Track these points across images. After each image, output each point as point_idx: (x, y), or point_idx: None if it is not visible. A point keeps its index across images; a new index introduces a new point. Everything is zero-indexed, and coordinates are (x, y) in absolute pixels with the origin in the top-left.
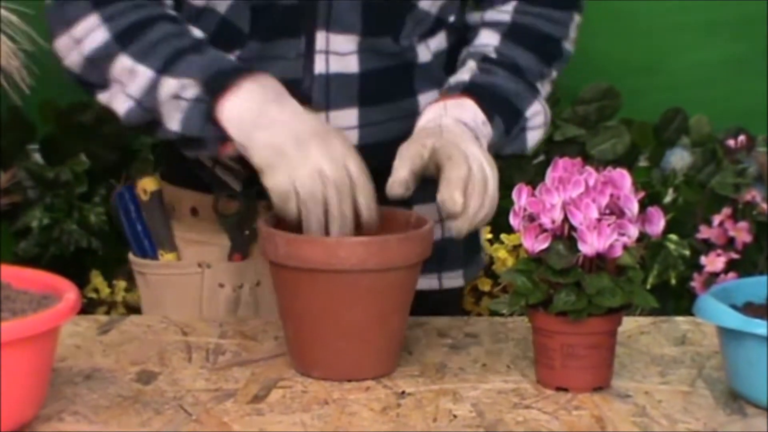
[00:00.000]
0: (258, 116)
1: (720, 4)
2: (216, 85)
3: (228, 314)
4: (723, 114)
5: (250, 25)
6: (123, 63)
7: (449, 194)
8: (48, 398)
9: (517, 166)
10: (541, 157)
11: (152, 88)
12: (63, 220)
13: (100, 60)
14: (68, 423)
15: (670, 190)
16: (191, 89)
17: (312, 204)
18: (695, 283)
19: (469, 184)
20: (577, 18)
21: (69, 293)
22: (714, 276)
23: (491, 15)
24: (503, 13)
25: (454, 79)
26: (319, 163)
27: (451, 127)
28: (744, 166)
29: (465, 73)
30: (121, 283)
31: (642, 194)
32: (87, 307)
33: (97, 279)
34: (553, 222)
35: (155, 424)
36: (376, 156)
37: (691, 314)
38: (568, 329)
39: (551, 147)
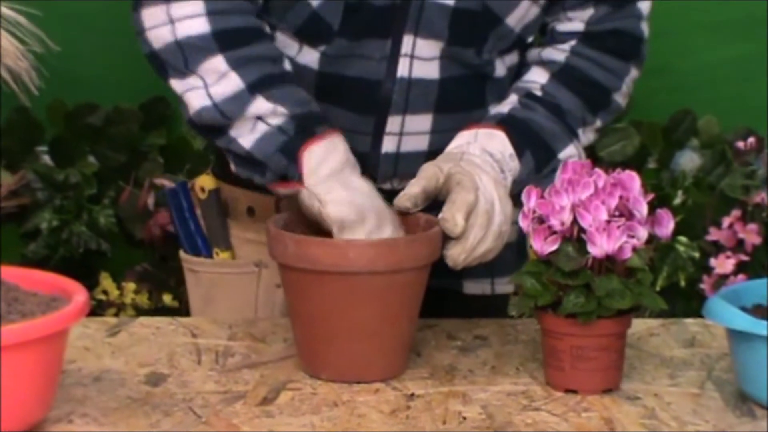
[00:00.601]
0: (341, 174)
1: (728, 4)
2: (307, 124)
3: (283, 315)
4: (732, 115)
5: (341, 22)
6: (217, 64)
7: (451, 214)
8: (57, 400)
9: None
10: None
11: (239, 99)
12: (72, 222)
13: (192, 50)
14: (77, 425)
15: (680, 192)
16: (278, 117)
17: None
18: (704, 285)
19: (473, 214)
20: (633, 72)
21: (78, 295)
22: (723, 278)
23: (548, 53)
24: (560, 52)
25: (494, 110)
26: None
27: (473, 155)
28: (753, 167)
29: (505, 105)
30: (130, 285)
31: (651, 196)
32: (96, 309)
33: (106, 281)
34: (563, 224)
35: (164, 426)
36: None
37: (701, 316)
38: (577, 331)
39: None
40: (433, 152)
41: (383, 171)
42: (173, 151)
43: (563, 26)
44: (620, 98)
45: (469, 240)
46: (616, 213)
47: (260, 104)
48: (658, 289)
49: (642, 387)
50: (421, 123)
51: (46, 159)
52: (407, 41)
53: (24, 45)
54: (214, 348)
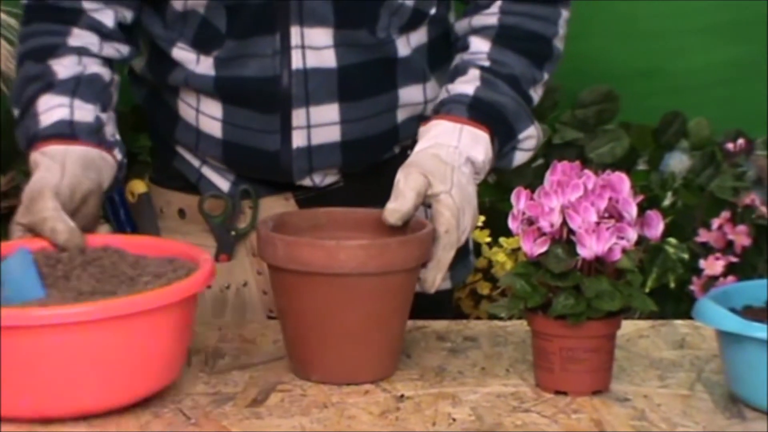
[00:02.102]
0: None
1: (719, 7)
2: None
3: (214, 315)
4: (722, 117)
5: (227, 24)
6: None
7: (433, 276)
8: None
9: (516, 170)
10: (540, 161)
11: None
12: None
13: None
14: (67, 426)
15: (669, 194)
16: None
17: None
18: (694, 287)
19: (441, 243)
20: (564, 13)
21: (203, 257)
22: (713, 279)
23: (478, 20)
24: (490, 17)
25: (455, 88)
26: None
27: (463, 176)
28: (743, 169)
29: (468, 84)
30: None
31: (641, 198)
32: None
33: None
34: (552, 225)
35: (154, 427)
36: (359, 153)
37: (690, 318)
38: (567, 333)
39: (550, 150)
40: (347, 142)
41: (298, 167)
42: None
43: None
44: (559, 43)
45: (443, 265)
46: (606, 214)
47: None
48: (647, 290)
49: (632, 388)
50: (327, 114)
51: None
52: (295, 32)
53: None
54: (203, 349)
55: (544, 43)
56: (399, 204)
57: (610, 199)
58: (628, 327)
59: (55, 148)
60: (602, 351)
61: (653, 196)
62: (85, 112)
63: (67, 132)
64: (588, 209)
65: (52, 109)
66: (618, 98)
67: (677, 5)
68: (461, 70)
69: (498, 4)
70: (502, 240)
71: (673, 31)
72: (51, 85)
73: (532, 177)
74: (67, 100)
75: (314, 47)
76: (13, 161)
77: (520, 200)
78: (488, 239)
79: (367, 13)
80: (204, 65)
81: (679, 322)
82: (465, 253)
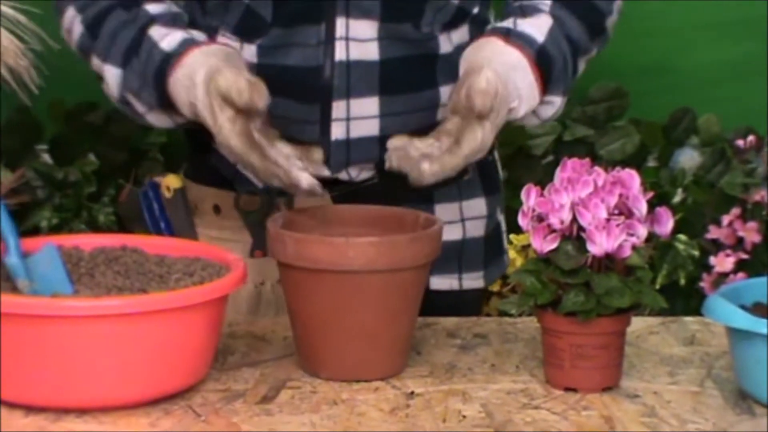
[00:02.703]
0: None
1: (728, 3)
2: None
3: (250, 311)
4: (732, 114)
5: (273, 12)
6: (95, 61)
7: (424, 168)
8: None
9: (526, 166)
10: (550, 158)
11: (121, 84)
12: (71, 220)
13: (84, 54)
14: (77, 423)
15: (679, 190)
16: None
17: None
18: (704, 284)
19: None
20: (618, 2)
21: (232, 257)
22: (723, 276)
23: None
24: None
25: (524, 26)
26: None
27: (505, 93)
28: (753, 166)
29: (538, 29)
30: None
31: (651, 194)
32: None
33: None
34: (562, 222)
35: (164, 424)
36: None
37: (700, 314)
38: (577, 329)
39: (560, 147)
40: (385, 137)
41: (335, 159)
42: (173, 149)
43: None
44: (610, 26)
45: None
46: (616, 211)
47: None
48: (657, 287)
49: (642, 385)
50: (367, 107)
51: (46, 157)
52: (340, 23)
53: (24, 43)
54: None
55: (601, 17)
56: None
57: (620, 195)
58: (638, 324)
59: (195, 54)
60: (612, 348)
61: (663, 192)
62: (194, 32)
63: (196, 41)
64: (598, 206)
65: (168, 35)
66: (627, 95)
67: (685, 2)
68: (529, 11)
69: None
70: (512, 236)
71: (681, 28)
72: (153, 19)
73: (542, 174)
74: (175, 28)
75: (358, 39)
76: (23, 158)
77: (530, 197)
78: None
79: (412, 8)
80: (246, 53)
81: (689, 318)
82: (499, 252)
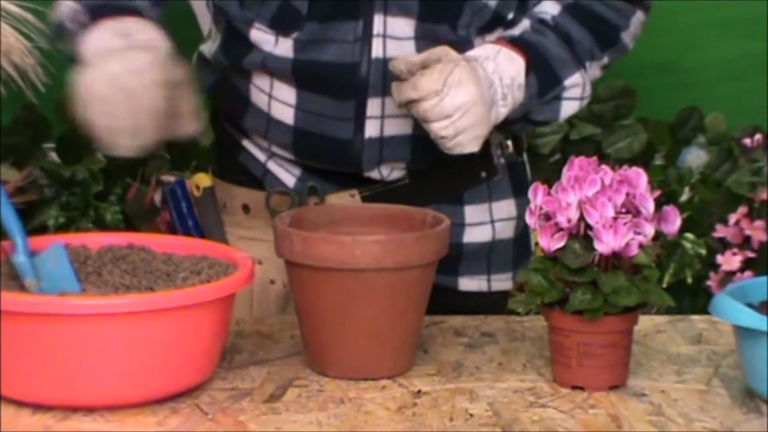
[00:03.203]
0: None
1: (736, 2)
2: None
3: (278, 310)
4: (739, 112)
5: (308, 6)
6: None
7: (403, 63)
8: None
9: (533, 165)
10: (557, 156)
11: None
12: (79, 219)
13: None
14: (85, 422)
15: (686, 189)
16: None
17: None
18: (711, 282)
19: (434, 99)
20: (640, 15)
21: (240, 256)
22: (730, 275)
23: None
24: None
25: (505, 33)
26: None
27: (482, 70)
28: (760, 164)
29: (517, 29)
30: None
31: (658, 193)
32: None
33: None
34: (569, 221)
35: (171, 423)
36: (428, 148)
37: (707, 313)
38: (584, 328)
39: (567, 146)
40: (418, 136)
41: (368, 157)
42: (180, 148)
43: None
44: (628, 38)
45: (420, 104)
46: (623, 210)
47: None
48: (664, 285)
49: (649, 384)
50: None
51: (53, 156)
52: (378, 21)
53: (31, 42)
54: None
55: (612, 30)
56: (411, 56)
57: (628, 194)
58: (645, 322)
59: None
60: (619, 346)
61: (670, 191)
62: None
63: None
64: (605, 204)
65: None
66: (635, 93)
67: (693, 1)
68: (519, 21)
69: None
70: None
71: (689, 26)
72: None
73: (549, 172)
74: None
75: (395, 37)
76: (30, 157)
77: (537, 195)
78: None
79: (451, 9)
80: (283, 47)
81: (696, 317)
82: (528, 254)
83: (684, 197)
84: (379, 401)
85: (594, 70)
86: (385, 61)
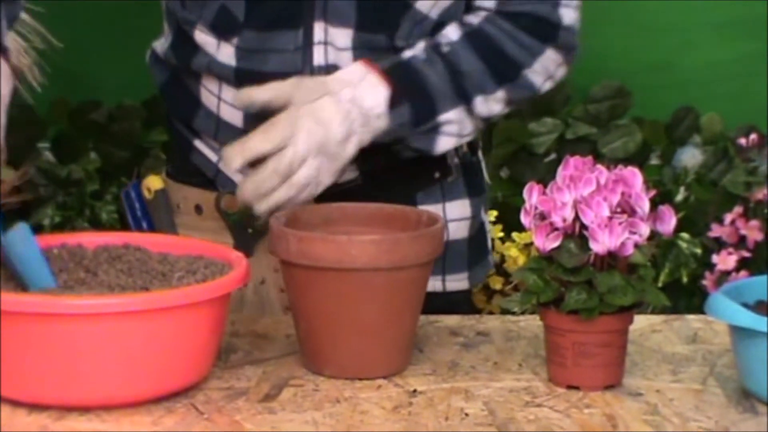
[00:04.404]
0: None
1: (731, 2)
2: None
3: (232, 312)
4: (734, 112)
5: (245, 13)
6: None
7: (234, 153)
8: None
9: (528, 164)
10: (553, 156)
11: None
12: (74, 218)
13: None
14: (80, 422)
15: (682, 189)
16: None
17: None
18: (707, 282)
19: (272, 161)
20: (551, 54)
21: (235, 255)
22: (725, 274)
23: (466, 17)
24: (476, 17)
25: (394, 58)
26: None
27: (334, 102)
28: (755, 164)
29: (410, 51)
30: None
31: (653, 193)
32: None
33: None
34: (565, 220)
35: (167, 422)
36: (376, 153)
37: (703, 312)
38: (579, 327)
39: (562, 145)
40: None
41: None
42: None
43: (479, 2)
44: (535, 77)
45: (258, 183)
46: (618, 209)
47: None
48: (660, 285)
49: (644, 383)
50: None
51: (49, 156)
52: (319, 29)
53: (27, 42)
54: None
55: (512, 67)
56: (256, 90)
57: (623, 194)
58: (640, 322)
59: None
60: (615, 346)
61: (666, 191)
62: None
63: None
64: (600, 204)
65: None
66: (630, 93)
67: (689, 1)
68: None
69: (491, 11)
70: (514, 235)
71: (684, 26)
72: None
73: (544, 172)
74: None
75: (337, 47)
76: (26, 156)
77: (532, 195)
78: (501, 234)
79: (388, 20)
80: (225, 53)
81: (691, 316)
82: (484, 253)
83: (679, 197)
84: (375, 401)
85: (490, 105)
86: (327, 69)
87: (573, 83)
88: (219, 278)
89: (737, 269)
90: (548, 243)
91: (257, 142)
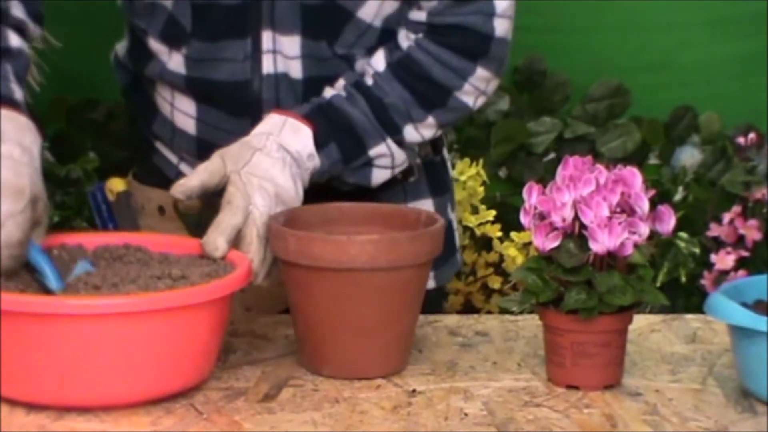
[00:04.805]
0: None
1: (729, 1)
2: None
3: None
4: (733, 111)
5: (193, 23)
6: None
7: (213, 238)
8: None
9: (527, 164)
10: (551, 155)
11: None
12: (73, 218)
13: None
14: (79, 422)
15: (681, 188)
16: None
17: None
18: (705, 281)
19: (246, 237)
20: (480, 72)
21: (237, 255)
22: (724, 274)
23: (401, 36)
24: (405, 40)
25: (313, 100)
26: None
27: (265, 155)
28: (754, 163)
29: (330, 90)
30: None
31: (652, 192)
32: None
33: None
34: (564, 220)
35: (166, 423)
36: None
37: (702, 312)
38: (578, 327)
39: (561, 145)
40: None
41: None
42: None
43: (413, 14)
44: (465, 97)
45: (255, 265)
46: (618, 209)
47: None
48: (659, 284)
49: (643, 383)
50: None
51: (48, 155)
52: (267, 37)
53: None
54: None
55: (441, 91)
56: (186, 179)
57: (622, 193)
58: (639, 321)
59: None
60: (614, 345)
61: (664, 190)
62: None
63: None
64: (600, 204)
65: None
66: (629, 92)
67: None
68: (342, 77)
69: (418, 35)
70: (513, 234)
71: (683, 25)
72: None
73: (543, 171)
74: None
75: (286, 55)
76: None
77: (531, 195)
78: (499, 234)
79: (330, 28)
80: (175, 62)
81: (690, 316)
82: (451, 251)
83: (678, 196)
84: (374, 401)
85: (422, 132)
86: (276, 77)
87: (572, 82)
88: (220, 279)
89: (736, 268)
90: (547, 243)
91: (228, 219)
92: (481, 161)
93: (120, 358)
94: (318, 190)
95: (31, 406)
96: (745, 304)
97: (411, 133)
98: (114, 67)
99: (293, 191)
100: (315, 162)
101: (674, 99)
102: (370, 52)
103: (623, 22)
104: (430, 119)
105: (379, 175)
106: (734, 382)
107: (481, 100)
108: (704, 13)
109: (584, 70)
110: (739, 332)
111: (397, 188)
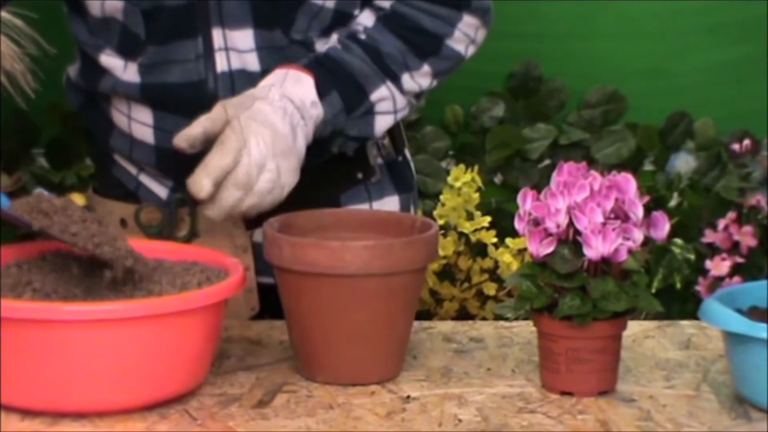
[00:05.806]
0: None
1: (724, 7)
2: None
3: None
4: (728, 117)
5: (145, 30)
6: None
7: (198, 178)
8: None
9: (521, 170)
10: (546, 161)
11: None
12: None
13: None
14: (74, 427)
15: (675, 194)
16: None
17: None
18: (700, 287)
19: (230, 176)
20: (467, 18)
21: (230, 261)
22: (719, 280)
23: (378, 1)
24: (387, 1)
25: (311, 55)
26: None
27: (267, 104)
28: (749, 170)
29: (324, 45)
30: None
31: (647, 198)
32: None
33: None
34: (558, 226)
35: (160, 428)
36: None
37: (696, 318)
38: (573, 333)
39: (556, 151)
40: None
41: None
42: None
43: None
44: (457, 44)
45: (222, 200)
46: (612, 215)
47: None
48: (653, 291)
49: (637, 389)
50: None
51: (43, 161)
52: (217, 35)
53: (20, 48)
54: None
55: (432, 39)
56: (188, 128)
57: (617, 199)
58: (634, 327)
59: None
60: (608, 352)
61: (659, 196)
62: None
63: None
64: (594, 210)
65: None
66: (624, 99)
67: (680, 5)
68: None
69: None
70: (508, 240)
71: (678, 31)
72: None
73: (538, 177)
74: None
75: (238, 50)
76: (20, 162)
77: (526, 201)
78: (494, 240)
79: (282, 15)
80: (130, 72)
81: (685, 322)
82: None
83: (673, 202)
84: (368, 407)
85: (418, 80)
86: (231, 74)
87: (567, 89)
88: (214, 284)
89: (730, 275)
90: (542, 249)
91: (217, 159)
92: (476, 167)
93: (114, 363)
94: (304, 196)
95: (26, 412)
96: (739, 311)
97: (408, 82)
98: (66, 88)
99: (290, 140)
100: (318, 110)
101: (669, 105)
102: (325, 33)
103: (618, 29)
104: (426, 67)
105: (382, 122)
106: (728, 389)
107: (471, 49)
108: (699, 20)
109: (579, 77)
110: (734, 339)
111: (360, 188)
